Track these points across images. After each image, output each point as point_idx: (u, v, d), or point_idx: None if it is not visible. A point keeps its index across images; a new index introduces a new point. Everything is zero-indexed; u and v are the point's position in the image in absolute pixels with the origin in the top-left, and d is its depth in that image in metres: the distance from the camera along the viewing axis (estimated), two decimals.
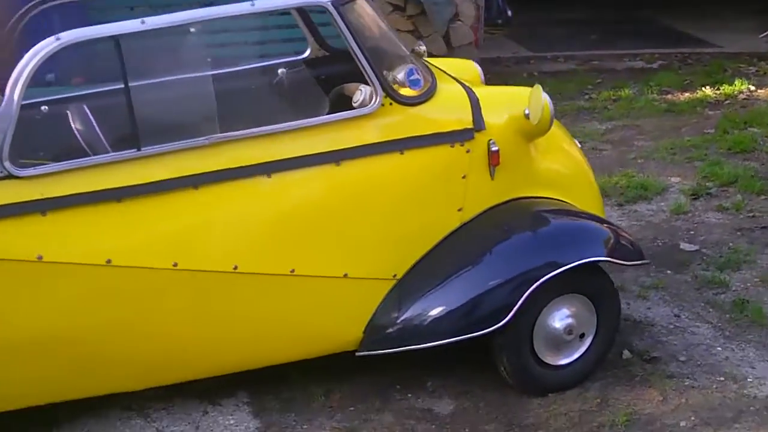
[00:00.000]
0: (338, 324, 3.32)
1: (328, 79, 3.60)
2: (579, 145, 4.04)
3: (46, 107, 3.12)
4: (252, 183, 3.10)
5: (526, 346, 3.37)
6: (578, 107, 7.39)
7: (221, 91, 3.21)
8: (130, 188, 2.96)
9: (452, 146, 3.32)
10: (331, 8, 3.09)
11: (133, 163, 2.98)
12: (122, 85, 2.89)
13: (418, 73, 3.33)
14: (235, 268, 3.09)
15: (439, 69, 3.64)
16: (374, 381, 3.56)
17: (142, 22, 2.92)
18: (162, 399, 3.45)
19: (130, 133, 2.94)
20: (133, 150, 2.96)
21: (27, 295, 2.89)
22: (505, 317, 3.22)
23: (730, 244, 4.76)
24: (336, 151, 3.18)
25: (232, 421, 3.39)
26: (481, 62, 8.63)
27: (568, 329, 3.40)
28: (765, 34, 9.45)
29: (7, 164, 2.80)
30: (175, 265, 3.02)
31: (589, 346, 3.49)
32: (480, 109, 3.38)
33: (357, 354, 3.32)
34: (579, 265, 3.29)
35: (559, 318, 3.40)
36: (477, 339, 3.26)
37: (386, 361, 3.39)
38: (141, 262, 2.98)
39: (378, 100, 3.17)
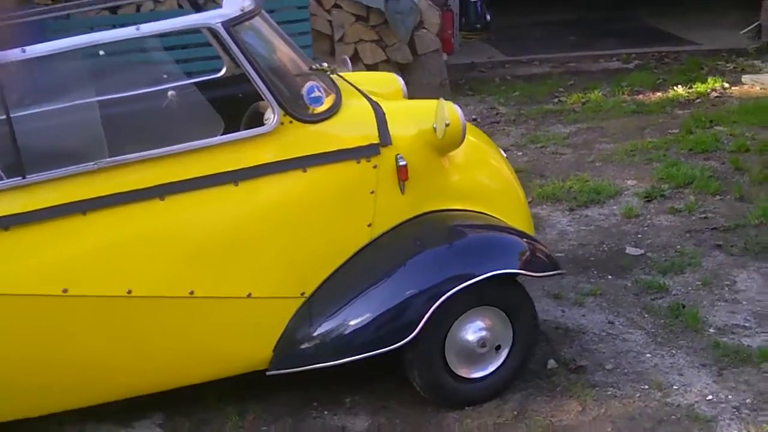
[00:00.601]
0: (246, 344, 3.28)
1: (236, 99, 3.55)
2: (505, 156, 3.96)
3: None
4: (144, 206, 3.07)
5: (438, 360, 3.32)
6: (546, 110, 7.33)
7: (110, 115, 3.17)
8: (16, 216, 2.93)
9: (358, 162, 3.28)
10: (220, 30, 3.07)
11: (19, 191, 2.94)
12: (3, 116, 2.85)
13: (319, 90, 3.29)
14: (129, 292, 3.06)
15: (350, 84, 3.60)
16: (291, 399, 3.52)
17: (23, 51, 2.89)
18: (76, 422, 3.40)
19: (14, 161, 2.90)
20: (18, 178, 2.92)
21: None
22: (412, 333, 3.17)
23: (678, 247, 4.68)
24: (233, 171, 3.14)
25: None
26: (456, 68, 8.73)
27: (482, 342, 3.35)
28: (746, 29, 9.31)
29: None
30: (65, 291, 2.99)
31: (505, 359, 3.44)
32: (386, 123, 3.33)
33: (267, 373, 3.27)
34: (486, 278, 3.22)
35: (473, 331, 3.35)
36: (392, 354, 3.21)
37: (307, 379, 3.37)
38: (30, 290, 2.97)
39: (276, 118, 3.14)
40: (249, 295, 3.21)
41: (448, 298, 3.20)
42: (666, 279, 4.32)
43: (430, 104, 3.51)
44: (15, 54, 2.89)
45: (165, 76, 3.50)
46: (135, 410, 3.45)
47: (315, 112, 3.28)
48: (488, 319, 3.37)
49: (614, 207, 5.25)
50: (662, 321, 3.96)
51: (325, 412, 3.47)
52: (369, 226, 3.35)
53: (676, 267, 4.44)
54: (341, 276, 3.33)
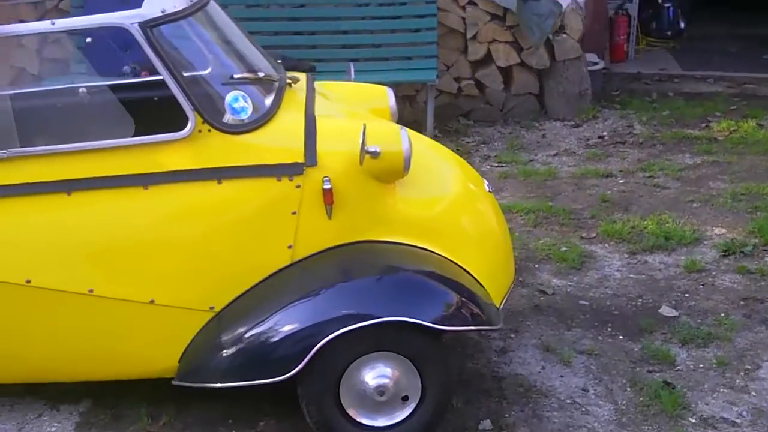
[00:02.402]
0: (148, 350, 3.24)
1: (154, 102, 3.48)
2: (488, 191, 3.63)
3: None
4: (50, 199, 3.09)
5: (331, 402, 3.12)
6: (683, 136, 6.70)
7: (23, 108, 3.20)
8: None
9: (279, 180, 3.13)
10: (134, 30, 3.00)
11: None
12: None
13: (245, 100, 3.15)
14: (28, 281, 3.10)
15: (312, 96, 3.41)
16: (210, 411, 3.45)
17: None
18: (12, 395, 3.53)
19: None
20: None
21: None
22: (294, 368, 3.00)
23: (721, 314, 4.11)
24: (143, 174, 3.09)
25: (53, 428, 3.39)
26: (618, 77, 8.16)
27: (380, 389, 3.10)
28: None
29: None
30: None
31: (413, 411, 3.16)
32: (315, 143, 3.15)
33: (173, 383, 3.21)
34: (382, 322, 2.97)
35: (372, 377, 3.11)
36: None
37: (238, 393, 3.24)
38: None
39: (191, 125, 3.04)
40: (151, 301, 3.16)
41: (335, 337, 2.96)
42: (680, 351, 3.81)
43: (378, 126, 3.26)
44: None
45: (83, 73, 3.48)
46: (66, 394, 3.49)
47: (236, 122, 3.13)
48: (395, 367, 3.10)
49: (681, 257, 4.68)
50: (640, 399, 3.48)
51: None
52: (289, 247, 3.18)
53: (702, 338, 3.89)
54: (254, 295, 3.20)
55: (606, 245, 4.86)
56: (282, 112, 3.25)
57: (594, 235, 4.96)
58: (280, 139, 3.16)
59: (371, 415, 3.16)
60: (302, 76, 3.72)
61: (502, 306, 3.40)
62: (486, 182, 3.69)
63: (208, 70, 3.37)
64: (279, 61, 6.18)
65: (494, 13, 6.99)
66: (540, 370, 3.70)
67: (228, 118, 3.13)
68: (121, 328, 3.21)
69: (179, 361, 3.22)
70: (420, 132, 6.52)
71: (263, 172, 3.11)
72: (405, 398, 3.15)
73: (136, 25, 3.00)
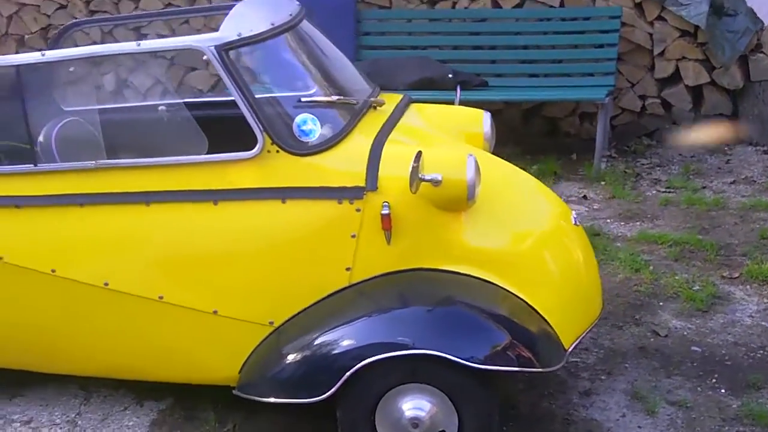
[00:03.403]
0: (211, 358, 3.40)
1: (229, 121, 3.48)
2: (576, 224, 3.49)
3: None
4: (131, 208, 3.33)
5: (365, 428, 3.14)
6: None
7: (109, 123, 3.47)
8: (27, 197, 3.39)
9: (340, 203, 3.19)
10: (209, 53, 3.18)
11: (31, 176, 3.40)
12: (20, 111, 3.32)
13: (314, 123, 3.25)
14: (106, 284, 3.37)
15: (393, 120, 3.44)
16: (275, 422, 3.57)
17: (42, 54, 3.33)
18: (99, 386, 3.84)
19: (29, 149, 3.37)
20: (30, 165, 3.39)
21: None
22: (326, 391, 3.05)
23: None
24: (213, 190, 3.26)
25: (132, 422, 3.66)
26: None
27: (414, 421, 3.08)
28: None
29: None
30: (53, 271, 3.40)
31: None
32: (377, 168, 3.18)
33: (233, 392, 3.36)
34: (418, 354, 2.96)
35: (409, 408, 3.10)
36: None
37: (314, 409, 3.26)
38: (25, 263, 3.42)
39: (259, 145, 3.18)
40: (215, 312, 3.33)
41: (371, 364, 2.98)
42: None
43: (442, 153, 3.24)
44: (35, 57, 3.30)
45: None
46: (153, 391, 3.77)
47: (304, 144, 3.22)
48: (432, 400, 3.08)
49: None
50: None
51: None
52: (348, 270, 3.24)
53: None
54: (310, 313, 3.28)
55: (747, 287, 4.48)
56: (352, 135, 3.29)
57: (737, 275, 4.58)
58: (344, 163, 3.21)
59: None
60: (394, 99, 3.72)
61: (574, 346, 3.25)
62: (574, 214, 3.52)
63: (283, 92, 3.45)
64: (450, 76, 6.29)
65: (684, 29, 6.61)
66: (619, 417, 3.49)
67: (295, 139, 3.20)
68: (187, 335, 3.39)
69: (239, 372, 3.34)
70: (590, 151, 6.34)
71: (325, 194, 3.18)
72: None
73: (213, 48, 3.15)
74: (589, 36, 6.76)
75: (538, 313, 3.18)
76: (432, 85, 6.65)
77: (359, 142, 3.27)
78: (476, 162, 3.15)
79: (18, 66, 3.34)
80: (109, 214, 3.35)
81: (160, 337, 3.41)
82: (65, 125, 3.67)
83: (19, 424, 3.68)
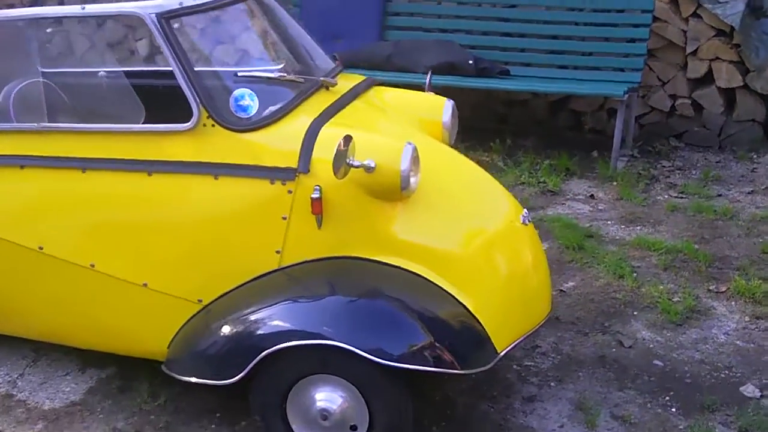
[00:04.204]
0: (142, 331, 3.36)
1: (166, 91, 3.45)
2: (525, 223, 3.34)
3: None
4: (68, 174, 3.30)
5: (275, 416, 3.07)
6: None
7: (51, 87, 3.43)
8: None
9: (272, 183, 3.11)
10: (148, 20, 3.11)
11: None
12: None
13: (251, 99, 3.16)
14: (41, 248, 3.36)
15: (332, 103, 3.34)
16: (207, 400, 3.51)
17: None
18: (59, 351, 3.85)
19: None
20: None
21: None
22: (237, 375, 2.98)
23: None
24: (147, 161, 3.21)
25: (69, 388, 3.65)
26: None
27: (324, 413, 2.99)
28: None
29: None
30: None
31: None
32: (311, 150, 3.08)
33: (162, 368, 3.31)
34: (323, 345, 2.87)
35: (320, 398, 3.01)
36: None
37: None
38: None
39: (195, 118, 3.11)
40: (145, 285, 3.29)
41: (280, 351, 2.90)
42: None
43: (379, 140, 3.12)
44: None
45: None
46: (99, 360, 3.76)
47: (241, 119, 3.14)
48: (344, 394, 2.98)
49: None
50: None
51: (220, 427, 3.38)
52: (278, 252, 3.16)
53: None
54: (237, 294, 3.21)
55: (732, 303, 4.26)
56: (293, 115, 3.20)
57: (724, 289, 4.36)
58: (279, 142, 3.12)
59: None
60: (353, 80, 3.61)
61: (509, 349, 3.11)
62: (524, 213, 3.36)
63: (224, 66, 3.37)
64: (471, 62, 6.13)
65: (719, 28, 6.31)
66: (556, 427, 3.35)
67: (232, 114, 3.12)
68: (117, 306, 3.36)
69: (168, 347, 3.28)
70: (608, 149, 6.12)
71: (258, 173, 3.09)
72: (353, 428, 2.99)
73: (154, 15, 3.09)
74: (622, 30, 6.50)
75: (470, 312, 3.04)
76: (452, 70, 6.51)
77: (298, 122, 3.17)
78: (414, 151, 3.02)
79: None
80: (47, 178, 3.33)
81: (92, 306, 3.39)
82: (28, 86, 3.63)
83: None
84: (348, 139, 2.89)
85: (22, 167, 3.34)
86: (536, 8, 6.77)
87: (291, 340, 2.90)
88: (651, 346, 3.89)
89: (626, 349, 3.86)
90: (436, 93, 6.14)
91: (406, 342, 2.91)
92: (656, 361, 3.77)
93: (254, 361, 2.92)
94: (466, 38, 6.91)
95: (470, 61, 6.50)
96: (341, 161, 2.88)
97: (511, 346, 3.14)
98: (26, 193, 3.36)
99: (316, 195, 3.04)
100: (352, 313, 2.97)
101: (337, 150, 2.86)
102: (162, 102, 3.26)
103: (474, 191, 3.35)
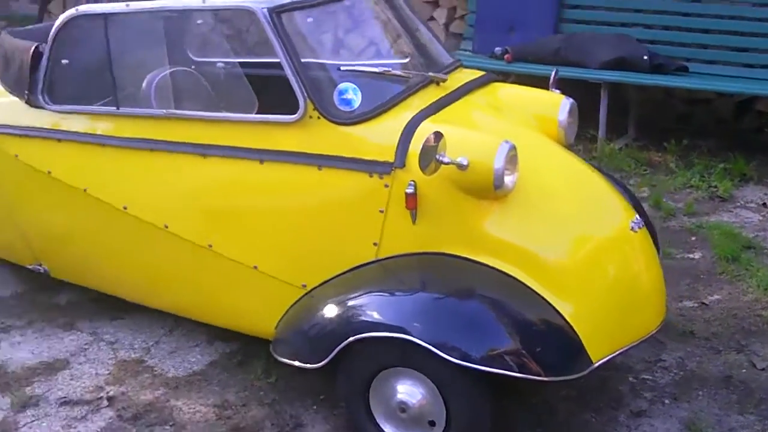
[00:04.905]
0: (253, 311, 3.51)
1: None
2: (633, 227, 3.21)
3: (67, 61, 3.95)
4: (192, 159, 3.50)
5: (359, 404, 3.12)
6: None
7: (177, 74, 3.64)
8: (107, 137, 3.69)
9: (370, 176, 3.16)
10: (260, 14, 3.25)
11: (113, 119, 3.69)
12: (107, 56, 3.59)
13: (354, 93, 3.23)
14: (166, 226, 3.60)
15: (438, 99, 3.34)
16: (316, 381, 3.59)
17: (127, 5, 3.57)
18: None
19: (113, 94, 3.65)
20: (113, 108, 3.67)
21: (38, 197, 3.92)
22: (323, 360, 3.07)
23: None
24: (260, 149, 3.33)
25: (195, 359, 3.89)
26: None
27: (402, 406, 3.03)
28: None
29: (42, 97, 3.82)
30: (125, 208, 3.68)
31: None
32: (408, 145, 3.11)
33: (270, 348, 3.44)
34: (404, 339, 2.89)
35: (401, 391, 3.04)
36: None
37: None
38: (103, 197, 3.73)
39: (301, 110, 3.22)
40: (255, 267, 3.44)
41: (365, 340, 2.95)
42: None
43: (476, 137, 3.11)
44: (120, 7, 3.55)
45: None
46: (227, 333, 3.89)
47: (344, 113, 3.21)
48: (424, 389, 3.00)
49: None
50: None
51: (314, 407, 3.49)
52: (375, 244, 3.21)
53: None
54: (337, 282, 3.27)
55: None
56: (396, 109, 3.23)
57: None
58: (378, 137, 3.16)
59: (399, 429, 3.09)
60: (469, 76, 3.59)
61: (607, 359, 2.99)
62: (635, 219, 3.22)
63: (331, 59, 3.43)
64: (645, 58, 5.92)
65: None
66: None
67: (336, 107, 3.19)
68: (231, 285, 3.53)
69: (275, 328, 3.42)
70: None
71: (358, 165, 3.15)
72: (432, 423, 3.00)
73: (265, 9, 3.21)
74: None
75: (564, 319, 2.95)
76: (625, 65, 6.29)
77: (399, 116, 3.19)
78: (512, 150, 2.97)
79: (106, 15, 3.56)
80: (174, 162, 3.53)
81: (209, 283, 3.58)
82: (172, 74, 3.86)
83: (104, 343, 4.02)
84: (438, 135, 2.88)
85: (152, 150, 3.54)
86: (721, 3, 6.39)
87: (373, 331, 2.92)
88: None
89: (758, 371, 3.61)
90: (611, 88, 6.01)
91: (489, 345, 2.87)
92: None
93: (338, 348, 2.98)
94: (646, 33, 6.64)
95: (645, 57, 6.24)
96: (430, 157, 2.87)
97: (610, 356, 3.02)
98: (154, 175, 3.57)
99: (410, 190, 3.04)
100: (437, 311, 2.96)
101: (424, 145, 2.85)
102: (274, 93, 3.36)
103: (581, 194, 3.23)
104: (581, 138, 6.51)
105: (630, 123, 6.68)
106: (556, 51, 6.47)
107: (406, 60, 3.55)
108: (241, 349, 3.87)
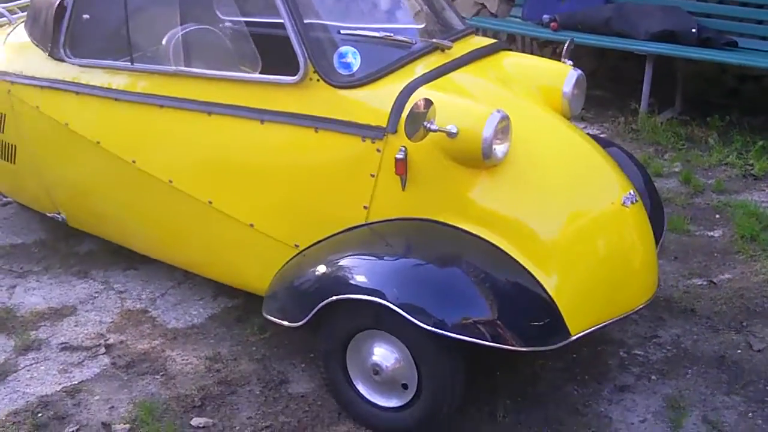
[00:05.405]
0: (249, 268, 3.59)
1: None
2: (626, 202, 3.18)
3: (88, 16, 4.05)
4: (197, 116, 3.56)
5: (336, 364, 3.18)
6: None
7: (188, 35, 3.71)
8: (120, 92, 3.80)
9: (363, 140, 3.19)
10: None
11: (128, 74, 3.80)
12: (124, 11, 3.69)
13: (354, 57, 3.26)
14: (170, 181, 3.70)
15: (440, 66, 3.34)
16: (309, 339, 3.62)
17: None
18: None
19: (129, 49, 3.75)
20: (128, 63, 3.78)
21: (56, 148, 4.07)
22: (303, 319, 3.14)
23: None
24: (261, 109, 3.38)
25: (196, 312, 4.02)
26: None
27: (375, 368, 3.08)
28: None
29: (63, 51, 3.95)
30: (134, 162, 3.79)
31: (406, 403, 3.09)
32: (401, 111, 3.12)
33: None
34: (379, 303, 2.92)
35: (376, 354, 3.09)
36: None
37: None
38: (113, 150, 3.85)
39: (302, 71, 3.26)
40: (252, 225, 3.52)
41: (342, 301, 3.00)
42: None
43: (467, 106, 3.12)
44: None
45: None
46: (230, 290, 4.01)
47: (342, 76, 3.25)
48: (399, 353, 3.05)
49: None
50: None
51: (302, 365, 3.59)
52: (365, 208, 3.26)
53: None
54: (326, 244, 3.32)
55: None
56: (394, 75, 3.24)
57: None
58: (373, 101, 3.18)
59: (373, 391, 3.14)
60: (477, 44, 3.57)
61: (587, 332, 2.98)
62: (628, 194, 3.18)
63: (337, 22, 3.45)
64: (693, 30, 5.79)
65: None
66: (636, 422, 3.19)
67: (334, 70, 3.22)
68: (230, 242, 3.62)
69: (269, 286, 3.50)
70: None
71: (352, 129, 3.19)
72: (405, 386, 3.05)
73: None
74: None
75: (545, 290, 2.95)
76: (673, 38, 6.14)
77: (397, 82, 3.20)
78: (504, 119, 2.96)
79: None
80: (180, 119, 3.61)
81: (209, 239, 3.67)
82: (191, 32, 3.93)
83: (113, 292, 4.17)
84: (428, 102, 2.89)
85: (161, 107, 3.63)
86: None
87: (349, 294, 2.97)
88: None
89: (753, 353, 3.56)
90: (657, 61, 5.88)
91: (463, 312, 2.87)
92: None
93: (316, 308, 3.02)
94: (700, 5, 6.47)
95: (693, 30, 6.09)
96: (418, 123, 2.89)
97: (590, 329, 3.01)
98: (161, 131, 3.66)
99: (400, 156, 3.07)
100: (415, 277, 2.98)
101: (411, 111, 2.87)
102: (282, 54, 3.40)
103: (575, 167, 3.20)
104: (624, 110, 6.41)
105: (677, 96, 6.53)
106: (606, 21, 6.35)
107: (413, 25, 3.55)
108: (242, 305, 3.96)
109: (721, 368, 3.47)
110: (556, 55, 7.65)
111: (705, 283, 4.07)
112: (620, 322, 3.22)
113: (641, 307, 3.15)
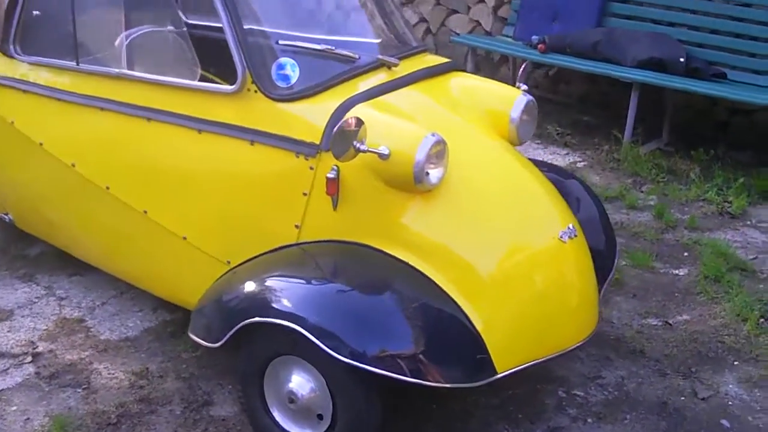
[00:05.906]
0: (180, 281, 3.50)
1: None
2: (564, 237, 3.06)
3: (39, 12, 3.95)
4: (136, 121, 3.48)
5: (254, 389, 3.07)
6: None
7: (133, 41, 3.61)
8: (64, 92, 3.71)
9: (297, 156, 3.10)
10: None
11: (72, 75, 3.71)
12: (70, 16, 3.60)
13: (292, 69, 3.16)
14: (108, 188, 3.61)
15: (383, 84, 3.23)
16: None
17: None
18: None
19: (74, 50, 3.66)
20: (73, 63, 3.68)
21: (2, 147, 4.00)
22: (220, 340, 3.02)
23: None
24: (198, 118, 3.29)
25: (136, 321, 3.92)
26: None
27: (291, 396, 2.97)
28: None
29: (13, 47, 3.86)
30: (73, 165, 3.70)
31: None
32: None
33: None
34: (293, 329, 2.80)
35: (293, 382, 2.98)
36: None
37: None
38: (55, 152, 3.76)
39: (239, 81, 3.16)
40: (184, 238, 3.42)
41: (259, 325, 2.88)
42: None
43: (401, 127, 3.00)
44: None
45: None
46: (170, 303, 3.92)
47: (279, 88, 3.14)
48: (316, 383, 2.93)
49: None
50: None
51: (229, 386, 3.48)
52: (297, 227, 3.15)
53: None
54: (256, 262, 3.21)
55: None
56: (333, 90, 3.14)
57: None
58: (309, 116, 3.08)
59: (288, 419, 3.03)
60: (427, 62, 3.46)
61: (515, 371, 2.87)
62: (566, 229, 3.06)
63: (279, 30, 3.33)
64: (681, 60, 5.66)
65: None
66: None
67: (272, 82, 3.12)
68: (164, 254, 3.52)
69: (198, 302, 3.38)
70: None
71: (286, 144, 3.09)
72: (320, 417, 2.93)
73: None
74: None
75: (472, 325, 2.83)
76: (661, 66, 6.00)
77: (334, 98, 3.09)
78: (439, 143, 2.86)
79: None
80: (120, 123, 3.52)
81: (143, 249, 3.58)
82: (143, 35, 3.84)
83: (54, 298, 4.08)
84: (359, 120, 2.78)
85: (102, 110, 3.54)
86: None
87: (265, 317, 2.86)
88: (729, 403, 3.41)
89: (697, 401, 3.42)
90: (644, 89, 5.73)
91: (382, 344, 2.76)
92: (724, 421, 3.30)
93: (233, 330, 2.91)
94: (692, 34, 6.33)
95: (681, 59, 5.95)
96: (347, 142, 2.78)
97: (519, 367, 2.89)
98: (101, 134, 3.57)
99: (332, 175, 2.97)
100: (335, 304, 2.86)
101: (339, 128, 2.76)
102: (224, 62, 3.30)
103: (513, 198, 3.08)
104: (608, 138, 6.28)
105: (664, 127, 6.40)
106: (594, 45, 6.23)
107: (361, 38, 3.44)
108: (180, 320, 3.85)
109: (661, 415, 3.33)
110: (548, 78, 7.53)
111: (660, 323, 3.94)
112: (564, 359, 3.10)
113: (577, 346, 3.03)
